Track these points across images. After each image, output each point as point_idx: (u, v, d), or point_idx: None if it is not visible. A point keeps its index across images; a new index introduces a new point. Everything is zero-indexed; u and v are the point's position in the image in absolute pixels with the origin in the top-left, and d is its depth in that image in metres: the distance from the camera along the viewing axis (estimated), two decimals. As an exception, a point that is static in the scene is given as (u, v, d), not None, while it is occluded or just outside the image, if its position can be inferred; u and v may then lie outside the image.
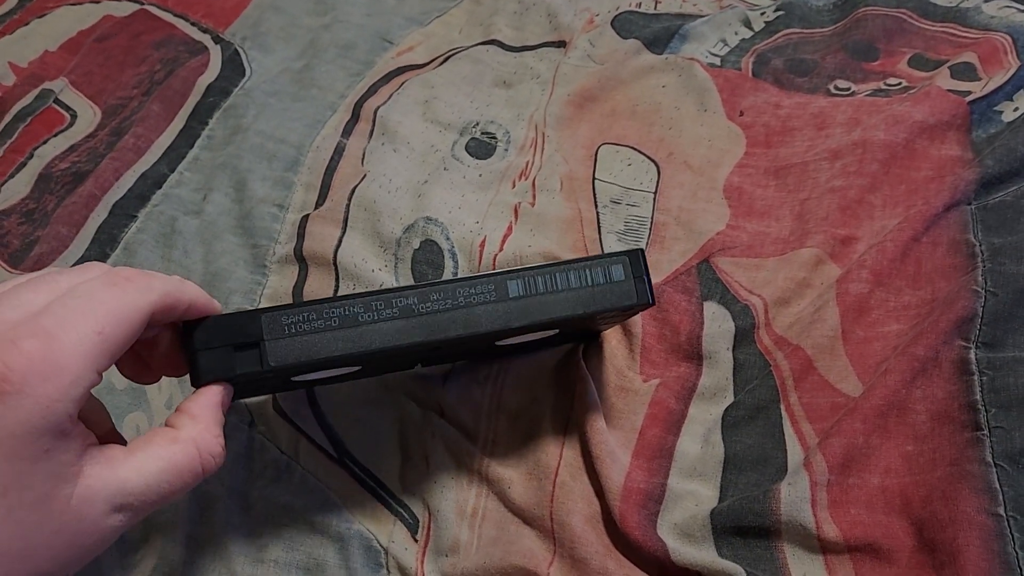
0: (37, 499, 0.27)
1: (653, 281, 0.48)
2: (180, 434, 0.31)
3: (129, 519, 0.30)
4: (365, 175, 0.54)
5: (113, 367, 0.32)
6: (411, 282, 0.50)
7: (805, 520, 0.40)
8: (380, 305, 0.34)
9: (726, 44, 0.59)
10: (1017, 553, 0.37)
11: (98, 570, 0.43)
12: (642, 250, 0.37)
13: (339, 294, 0.50)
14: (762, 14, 0.61)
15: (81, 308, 0.28)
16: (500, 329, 0.35)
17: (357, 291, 0.36)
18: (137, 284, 0.30)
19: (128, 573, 0.43)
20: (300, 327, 0.33)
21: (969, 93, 0.52)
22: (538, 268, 0.36)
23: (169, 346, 0.34)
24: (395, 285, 0.50)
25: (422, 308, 0.34)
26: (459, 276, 0.36)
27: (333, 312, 0.34)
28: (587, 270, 0.36)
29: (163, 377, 0.37)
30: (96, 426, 0.34)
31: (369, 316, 0.34)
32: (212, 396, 0.33)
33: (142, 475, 0.29)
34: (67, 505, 0.27)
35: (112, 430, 0.36)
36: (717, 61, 0.58)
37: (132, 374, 0.36)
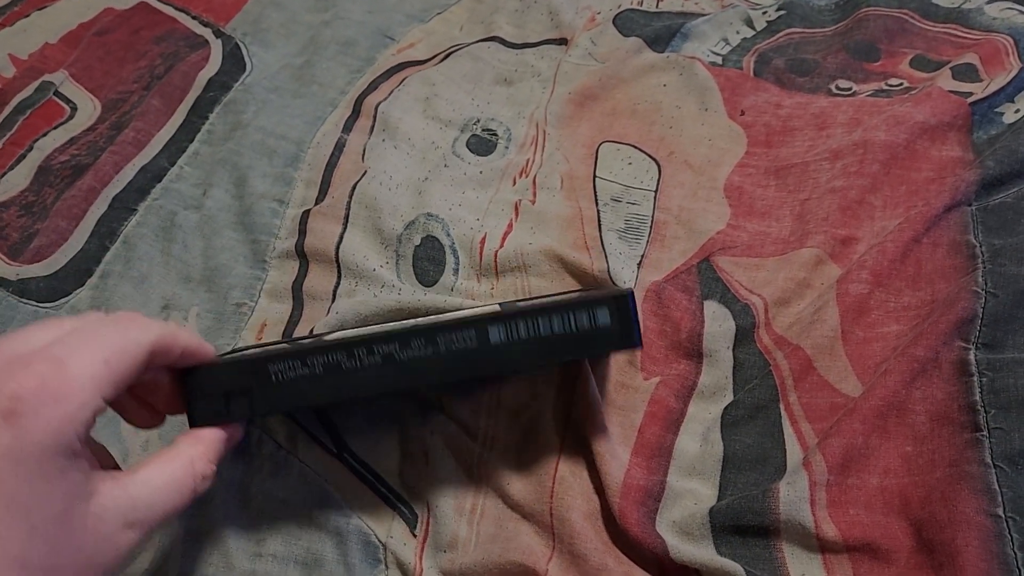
0: (57, 516, 0.28)
1: (653, 279, 0.48)
2: (179, 450, 0.34)
3: (140, 535, 0.31)
4: (366, 171, 0.54)
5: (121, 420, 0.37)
6: (412, 278, 0.50)
7: (804, 519, 0.40)
8: (362, 352, 0.35)
9: (728, 43, 0.59)
10: (1016, 554, 0.37)
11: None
12: (630, 292, 0.36)
13: (338, 296, 0.50)
14: (764, 13, 0.61)
15: (88, 340, 0.30)
16: (480, 376, 0.36)
17: (344, 334, 0.38)
18: (137, 324, 0.32)
19: (127, 567, 0.43)
20: (286, 375, 0.35)
21: (970, 94, 0.52)
22: (520, 313, 0.35)
23: (169, 387, 0.36)
24: (410, 288, 0.50)
25: (403, 355, 0.35)
26: (437, 321, 0.36)
27: (317, 360, 0.35)
28: (571, 314, 0.35)
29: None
30: (98, 450, 0.36)
31: (351, 364, 0.35)
32: (217, 432, 0.36)
33: (149, 489, 0.31)
34: (84, 522, 0.29)
35: (115, 467, 0.37)
36: (718, 60, 0.58)
37: (138, 419, 0.37)
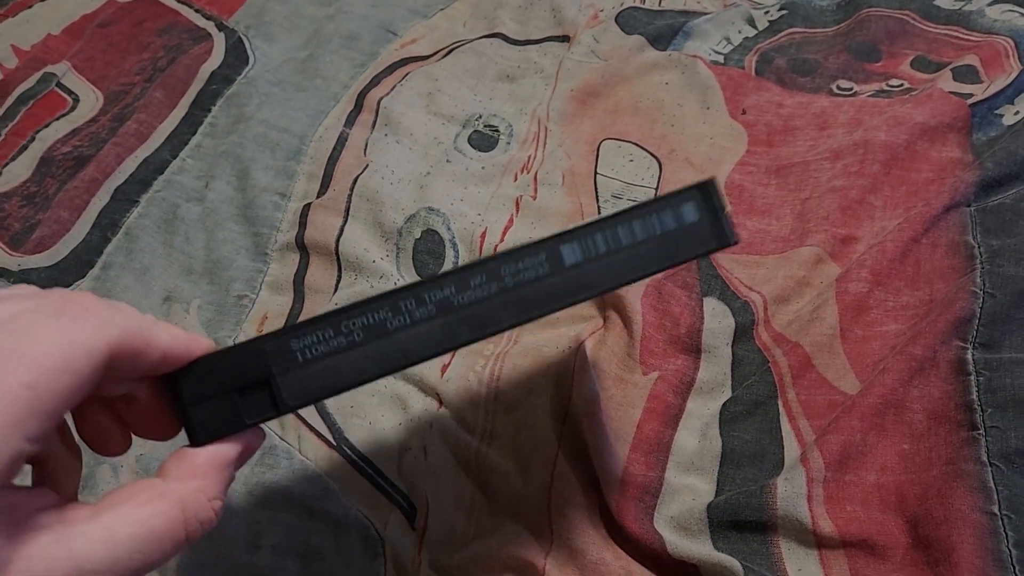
0: None
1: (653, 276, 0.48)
2: (166, 489, 0.25)
3: None
4: (367, 165, 0.55)
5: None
6: (412, 271, 0.50)
7: (801, 515, 0.40)
8: (411, 304, 0.28)
9: (730, 42, 0.60)
10: (1011, 551, 0.37)
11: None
12: (714, 180, 0.30)
13: (341, 288, 0.50)
14: (766, 13, 0.61)
15: (8, 351, 0.21)
16: (560, 306, 0.29)
17: (374, 291, 0.30)
18: (93, 316, 0.23)
19: None
20: (316, 349, 0.27)
21: (971, 96, 0.52)
22: (594, 223, 0.29)
23: (149, 403, 0.27)
24: (411, 280, 0.50)
25: (463, 298, 0.28)
26: (498, 252, 0.29)
27: (354, 324, 0.27)
28: (653, 216, 0.29)
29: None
30: (66, 482, 0.27)
31: (400, 320, 0.28)
32: (224, 451, 0.26)
33: (108, 546, 0.22)
34: None
35: (74, 495, 0.28)
36: (720, 59, 0.59)
37: (94, 441, 0.28)
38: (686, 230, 0.29)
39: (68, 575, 0.22)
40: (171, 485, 0.25)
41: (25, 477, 0.26)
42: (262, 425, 0.28)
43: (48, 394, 0.21)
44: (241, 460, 0.27)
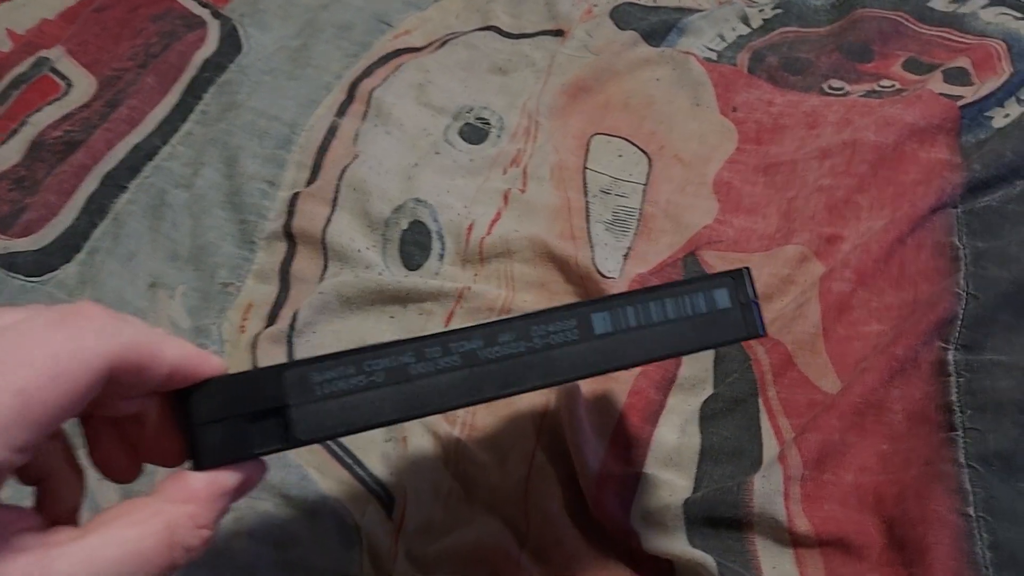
0: None
1: (639, 271, 0.48)
2: (157, 510, 0.24)
3: None
4: (357, 155, 0.54)
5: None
6: (398, 261, 0.50)
7: (777, 513, 0.40)
8: (436, 352, 0.27)
9: (723, 39, 0.59)
10: (985, 553, 0.37)
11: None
12: (748, 270, 0.31)
13: (326, 278, 0.50)
14: (760, 11, 0.61)
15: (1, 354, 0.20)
16: (586, 374, 0.29)
17: (404, 337, 0.29)
18: (96, 325, 0.22)
19: None
20: (336, 385, 0.26)
21: (961, 98, 0.52)
22: (628, 295, 0.30)
23: (159, 424, 0.26)
24: (397, 272, 0.50)
25: (489, 354, 0.28)
26: (528, 312, 0.29)
27: (377, 365, 0.27)
28: (686, 298, 0.30)
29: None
30: (67, 504, 0.27)
31: (423, 367, 0.27)
32: (223, 479, 0.25)
33: (90, 569, 0.21)
34: None
35: (73, 513, 0.27)
36: (713, 56, 0.58)
37: (104, 466, 0.27)
38: (716, 315, 0.30)
39: None
40: (163, 506, 0.24)
41: (25, 498, 0.26)
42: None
43: (39, 403, 0.20)
44: (239, 492, 0.26)
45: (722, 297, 0.30)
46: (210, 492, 0.24)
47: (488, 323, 0.28)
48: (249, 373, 0.26)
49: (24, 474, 0.26)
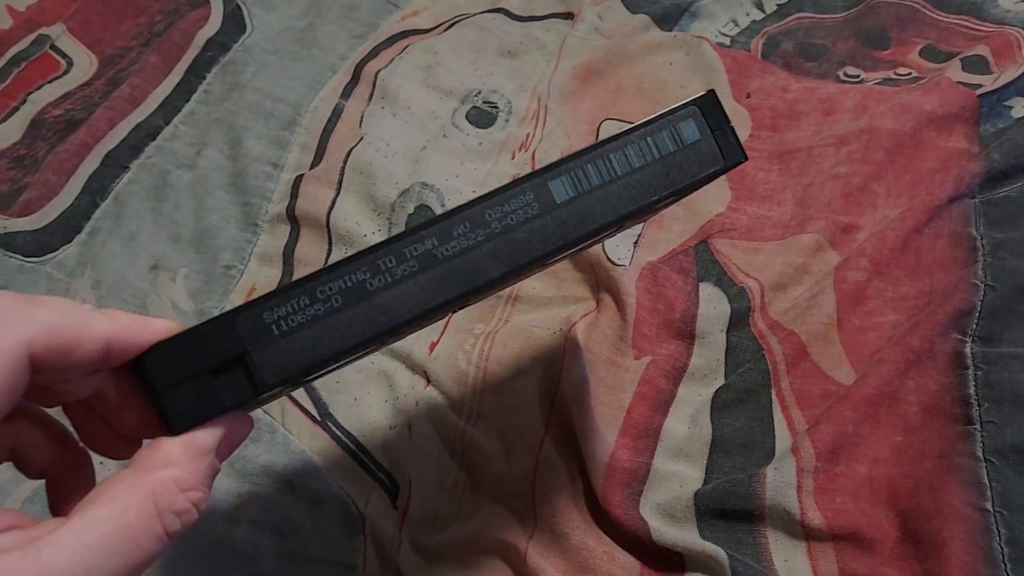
0: None
1: (649, 259, 0.47)
2: (134, 481, 0.22)
3: None
4: (362, 138, 0.54)
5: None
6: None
7: (790, 506, 0.39)
8: (391, 262, 0.25)
9: (736, 24, 0.58)
10: (1003, 549, 0.36)
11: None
12: (713, 92, 0.27)
13: (331, 262, 0.49)
14: (774, -4, 0.60)
15: None
16: (555, 248, 0.26)
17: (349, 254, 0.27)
18: (2, 317, 0.21)
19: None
20: (292, 320, 0.24)
21: (980, 86, 0.51)
22: (583, 152, 0.26)
23: (121, 401, 0.25)
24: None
25: (447, 250, 0.25)
26: (479, 195, 0.26)
27: (331, 288, 0.25)
28: (649, 140, 0.27)
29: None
30: (74, 487, 0.26)
31: (380, 280, 0.25)
32: (200, 437, 0.24)
33: (80, 552, 0.20)
34: None
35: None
36: (727, 41, 0.57)
37: (97, 446, 0.27)
38: (687, 151, 0.27)
39: None
40: (139, 476, 0.22)
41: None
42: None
43: None
44: (225, 448, 0.25)
45: (690, 129, 0.27)
46: (187, 453, 0.23)
47: (439, 217, 0.25)
48: (200, 327, 0.24)
49: (24, 468, 0.25)
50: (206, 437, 0.24)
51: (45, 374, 0.22)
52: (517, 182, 0.26)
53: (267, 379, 0.24)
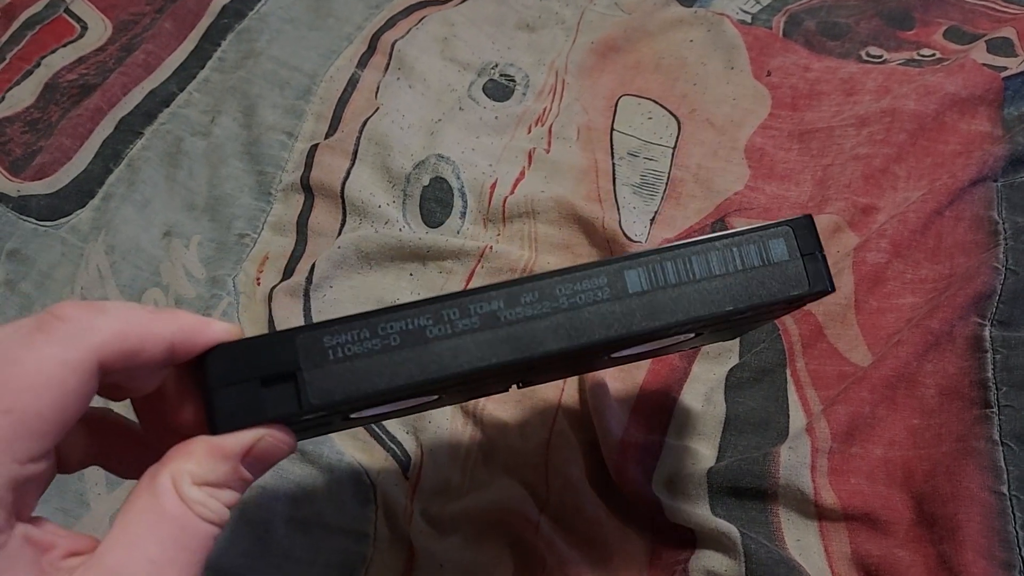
0: None
1: (666, 236, 0.47)
2: (152, 473, 0.23)
3: None
4: (378, 108, 0.53)
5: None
6: (418, 218, 0.49)
7: (803, 485, 0.39)
8: (454, 315, 0.25)
9: (758, 2, 0.58)
10: (1018, 532, 0.36)
11: (81, 499, 0.43)
12: (810, 217, 0.27)
13: (344, 231, 0.49)
14: (797, -26, 0.59)
15: None
16: (618, 337, 0.26)
17: (419, 298, 0.27)
18: (71, 328, 0.21)
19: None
20: (349, 349, 0.25)
21: (1005, 69, 0.50)
22: (666, 250, 0.26)
23: (177, 397, 0.26)
24: (417, 229, 0.49)
25: (510, 315, 0.26)
26: (554, 269, 0.26)
27: (392, 327, 0.25)
28: (735, 250, 0.26)
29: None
30: (133, 462, 0.27)
31: (440, 330, 0.25)
32: (229, 441, 0.24)
33: (113, 552, 0.21)
34: None
35: None
36: (748, 18, 0.57)
37: (156, 439, 0.27)
38: (772, 269, 0.26)
39: None
40: (158, 468, 0.23)
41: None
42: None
43: (31, 415, 0.20)
44: (258, 464, 0.25)
45: (779, 248, 0.26)
46: (207, 450, 0.23)
47: (510, 282, 0.26)
48: (262, 337, 0.25)
49: (112, 468, 0.28)
50: (235, 441, 0.24)
51: (114, 376, 0.23)
52: (594, 264, 0.26)
53: (312, 399, 0.24)
